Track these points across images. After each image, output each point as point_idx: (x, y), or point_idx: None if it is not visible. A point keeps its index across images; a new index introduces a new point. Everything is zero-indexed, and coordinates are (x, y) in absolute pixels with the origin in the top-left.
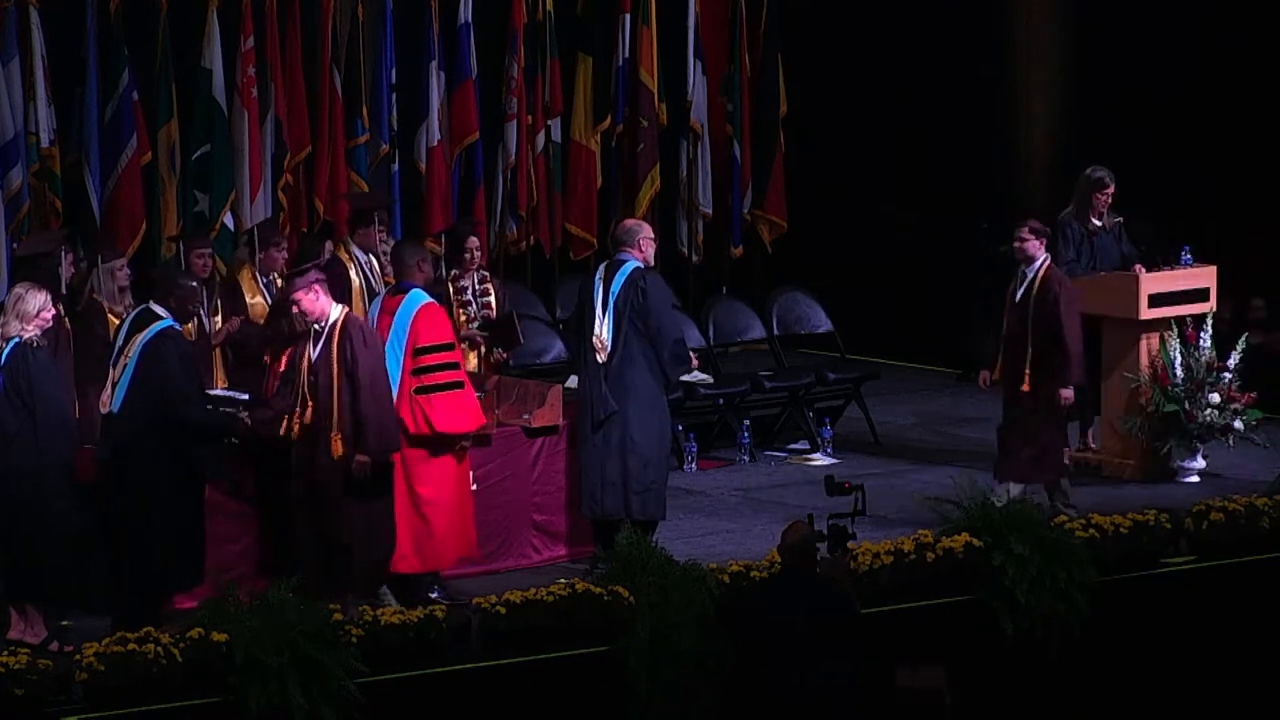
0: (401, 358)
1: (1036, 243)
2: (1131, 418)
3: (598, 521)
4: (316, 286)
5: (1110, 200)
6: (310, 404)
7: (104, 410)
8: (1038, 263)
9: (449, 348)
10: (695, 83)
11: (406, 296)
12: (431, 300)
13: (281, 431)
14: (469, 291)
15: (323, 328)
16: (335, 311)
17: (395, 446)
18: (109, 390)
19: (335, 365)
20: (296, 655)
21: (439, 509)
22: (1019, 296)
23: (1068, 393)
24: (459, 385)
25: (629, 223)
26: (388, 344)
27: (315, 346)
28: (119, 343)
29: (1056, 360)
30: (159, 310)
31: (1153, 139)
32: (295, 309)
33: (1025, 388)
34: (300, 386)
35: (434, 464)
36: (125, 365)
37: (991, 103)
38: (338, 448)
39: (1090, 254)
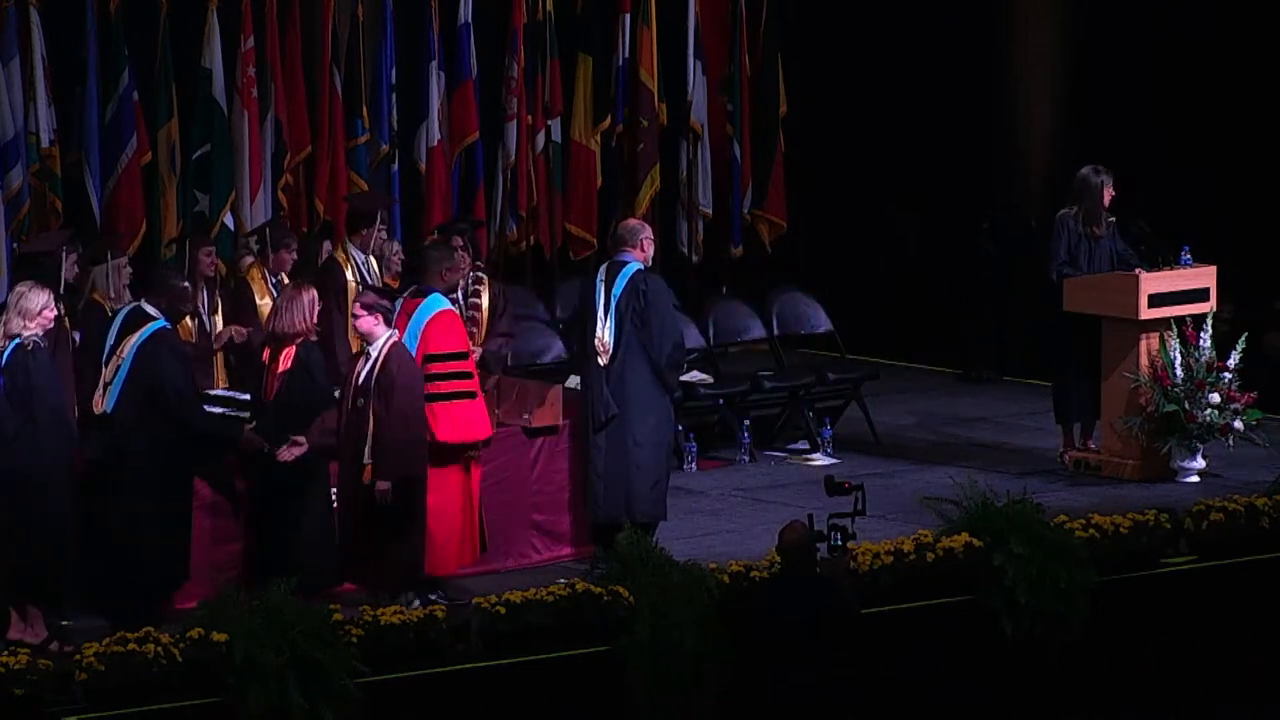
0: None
1: (372, 319)
2: (1131, 418)
3: (599, 524)
4: None
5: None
6: None
7: (97, 410)
8: (380, 340)
9: (461, 357)
10: (695, 83)
11: (424, 301)
12: (448, 308)
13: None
14: (457, 290)
15: None
16: None
17: None
18: (101, 391)
19: None
20: (296, 655)
21: (440, 516)
22: (362, 378)
23: (384, 486)
24: (469, 395)
25: (631, 223)
26: None
27: None
28: (110, 342)
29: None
30: (150, 310)
31: (1152, 139)
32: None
33: (366, 478)
34: None
35: (437, 471)
36: (119, 366)
37: (991, 102)
38: None
39: (1088, 255)
